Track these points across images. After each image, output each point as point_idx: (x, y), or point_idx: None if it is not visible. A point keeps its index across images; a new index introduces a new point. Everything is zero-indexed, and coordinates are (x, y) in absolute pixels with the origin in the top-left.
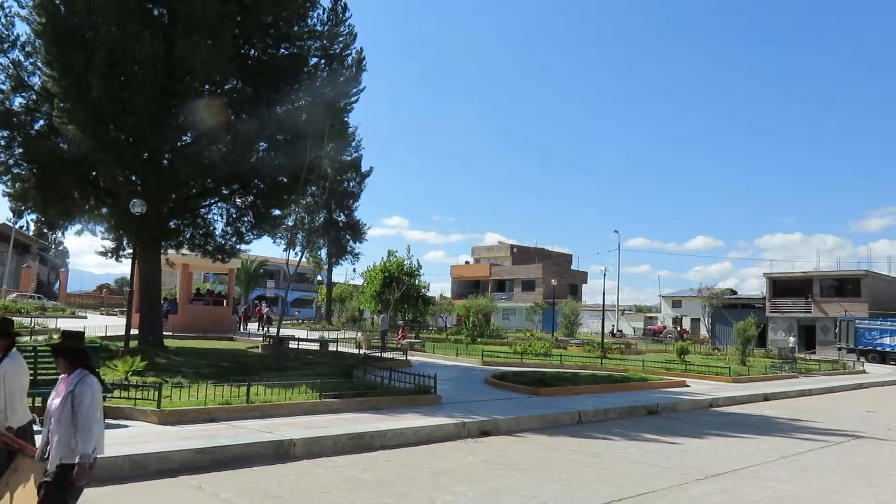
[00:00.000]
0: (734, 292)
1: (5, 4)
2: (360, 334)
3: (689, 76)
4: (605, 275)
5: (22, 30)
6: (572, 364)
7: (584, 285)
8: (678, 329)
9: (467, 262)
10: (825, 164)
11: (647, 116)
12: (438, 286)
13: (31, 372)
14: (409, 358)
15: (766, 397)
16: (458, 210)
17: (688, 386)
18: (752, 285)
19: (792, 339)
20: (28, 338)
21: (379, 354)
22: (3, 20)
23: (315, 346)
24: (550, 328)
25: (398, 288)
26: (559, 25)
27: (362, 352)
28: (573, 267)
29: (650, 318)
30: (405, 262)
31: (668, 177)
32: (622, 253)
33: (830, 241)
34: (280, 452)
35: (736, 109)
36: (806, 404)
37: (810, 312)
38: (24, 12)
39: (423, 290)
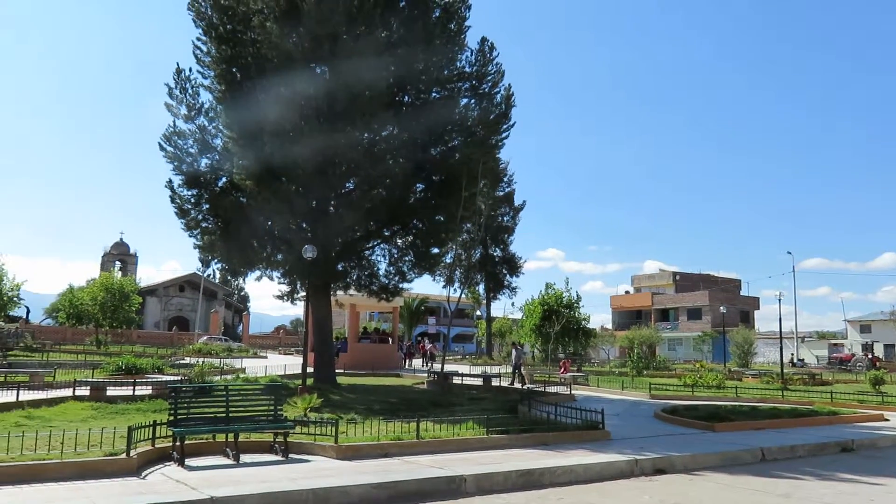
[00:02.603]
0: None
1: (191, 77)
2: (521, 369)
3: (858, 86)
4: (779, 300)
5: (205, 98)
6: (749, 397)
7: (755, 311)
8: (869, 357)
9: (627, 292)
10: None
11: (818, 129)
12: (598, 318)
13: (224, 409)
14: (573, 392)
15: None
16: (615, 239)
17: (886, 420)
18: None
19: None
20: (218, 377)
21: (543, 389)
22: (189, 91)
23: (478, 382)
24: (722, 358)
25: (558, 321)
26: (706, 49)
27: (525, 386)
28: (742, 292)
29: (835, 345)
30: (564, 295)
31: (846, 191)
32: (797, 275)
33: None
34: (452, 488)
35: None
36: None
37: None
38: (206, 82)
39: (583, 323)
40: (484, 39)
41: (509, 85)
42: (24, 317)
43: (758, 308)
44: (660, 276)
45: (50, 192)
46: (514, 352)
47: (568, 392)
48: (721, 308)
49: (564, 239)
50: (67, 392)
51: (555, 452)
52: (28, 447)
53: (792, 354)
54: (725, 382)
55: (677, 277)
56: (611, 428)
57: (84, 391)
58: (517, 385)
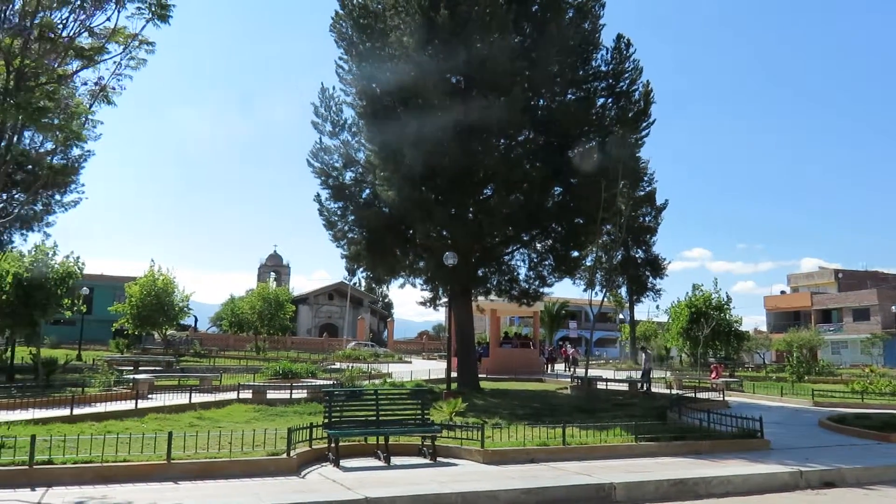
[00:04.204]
0: None
1: (335, 95)
2: (669, 373)
3: None
4: None
5: (348, 114)
6: None
7: None
8: None
9: (783, 292)
10: None
11: None
12: (751, 319)
13: (374, 413)
14: (726, 398)
15: None
16: (766, 236)
17: None
18: None
19: None
20: (367, 382)
21: (693, 395)
22: (333, 108)
23: (623, 387)
24: (895, 363)
25: (707, 323)
26: (862, 34)
27: (674, 392)
28: None
29: None
30: (712, 296)
31: None
32: None
33: None
34: (601, 496)
35: None
36: None
37: None
38: (349, 99)
39: (734, 325)
40: (620, 36)
41: (648, 81)
42: (193, 325)
43: None
44: (819, 275)
45: (214, 208)
46: (643, 356)
47: (721, 398)
48: (893, 308)
49: (711, 238)
50: (232, 395)
51: (709, 461)
52: (201, 446)
53: None
54: None
55: (840, 275)
56: (770, 437)
57: (247, 394)
58: (651, 390)
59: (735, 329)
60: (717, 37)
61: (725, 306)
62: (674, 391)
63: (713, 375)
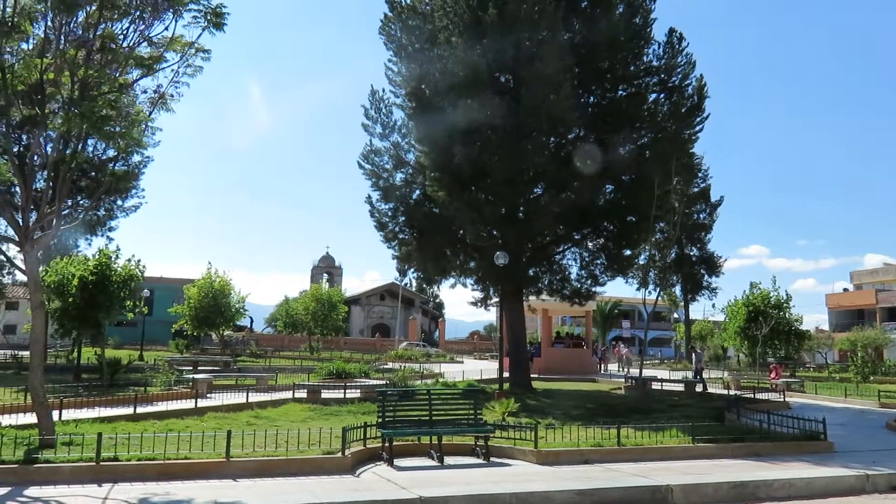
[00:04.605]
0: None
1: (384, 97)
2: (726, 374)
3: None
4: None
5: (397, 115)
6: None
7: None
8: None
9: (846, 290)
10: None
11: None
12: (812, 318)
13: (427, 413)
14: (787, 399)
15: None
16: (828, 232)
17: None
18: None
19: None
20: (419, 382)
21: (752, 395)
22: (383, 110)
23: (678, 387)
24: None
25: (765, 322)
26: None
27: (732, 393)
28: None
29: None
30: (771, 294)
31: None
32: None
33: None
34: (657, 498)
35: None
36: None
37: None
38: (398, 101)
39: (794, 324)
40: (672, 30)
41: (701, 75)
42: (249, 326)
43: None
44: (885, 271)
45: (269, 210)
46: (693, 356)
47: (781, 399)
48: None
49: (769, 234)
50: (288, 394)
51: (769, 464)
52: (259, 445)
53: None
54: None
55: None
56: (834, 439)
57: (302, 394)
58: (708, 390)
59: (795, 328)
60: (774, 24)
61: (785, 304)
62: (731, 392)
63: (773, 376)
